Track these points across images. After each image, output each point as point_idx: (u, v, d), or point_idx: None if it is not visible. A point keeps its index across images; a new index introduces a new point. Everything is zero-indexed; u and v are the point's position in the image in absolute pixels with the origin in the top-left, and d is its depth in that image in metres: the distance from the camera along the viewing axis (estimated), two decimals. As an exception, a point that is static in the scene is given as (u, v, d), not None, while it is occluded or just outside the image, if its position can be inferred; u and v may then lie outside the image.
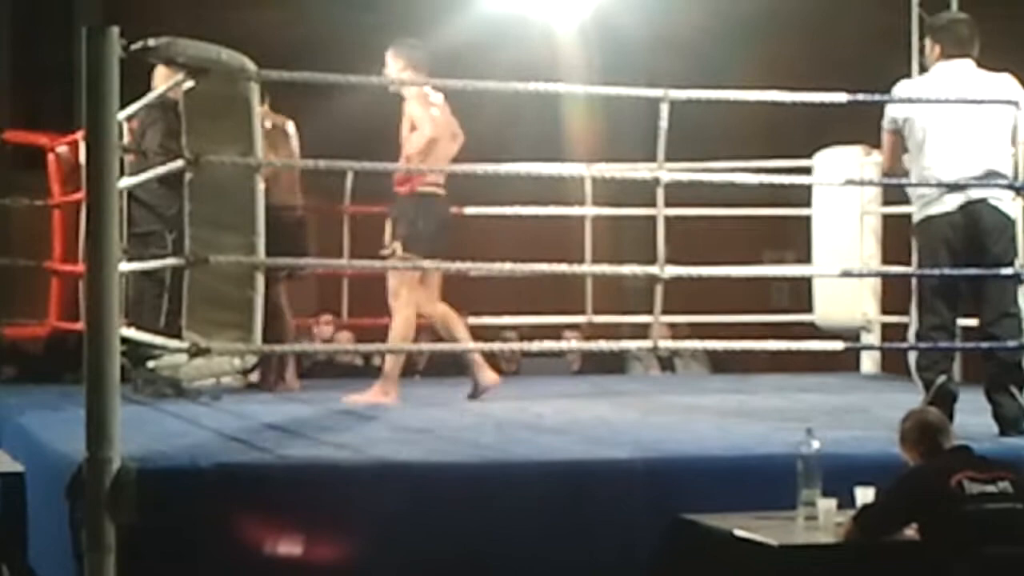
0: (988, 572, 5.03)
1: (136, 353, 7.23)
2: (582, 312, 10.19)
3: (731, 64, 13.29)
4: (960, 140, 6.67)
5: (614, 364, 11.68)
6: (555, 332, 11.17)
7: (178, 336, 6.10)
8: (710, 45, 14.21)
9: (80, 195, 7.68)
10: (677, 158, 6.97)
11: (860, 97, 6.88)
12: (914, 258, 6.83)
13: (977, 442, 5.65)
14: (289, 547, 5.31)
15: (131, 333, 6.61)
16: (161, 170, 6.77)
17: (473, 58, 12.00)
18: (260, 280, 6.07)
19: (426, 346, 9.40)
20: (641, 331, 10.45)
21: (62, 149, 9.28)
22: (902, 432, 5.44)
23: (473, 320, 10.26)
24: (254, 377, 8.75)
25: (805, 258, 10.15)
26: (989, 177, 6.66)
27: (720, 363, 11.97)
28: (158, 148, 7.98)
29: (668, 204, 6.72)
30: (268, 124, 8.23)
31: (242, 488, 5.36)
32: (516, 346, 9.12)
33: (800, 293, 10.34)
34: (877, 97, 6.92)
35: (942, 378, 6.58)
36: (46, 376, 9.68)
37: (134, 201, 7.98)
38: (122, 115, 5.80)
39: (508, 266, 6.61)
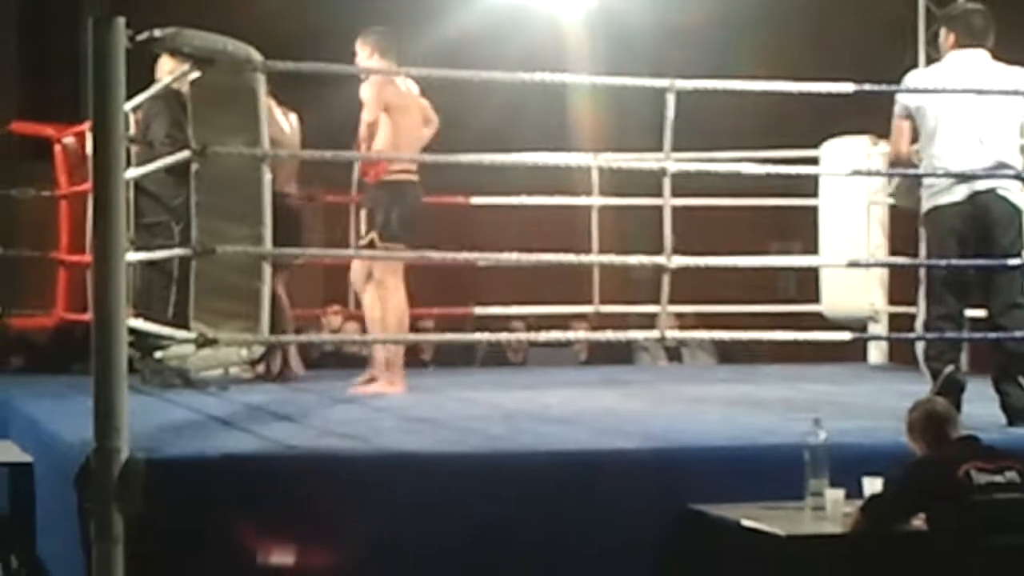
0: (996, 562, 5.03)
1: (144, 343, 7.23)
2: (589, 302, 10.19)
3: (737, 54, 13.30)
4: (971, 130, 6.66)
5: (621, 354, 11.69)
6: (562, 322, 11.18)
7: (186, 327, 6.10)
8: (716, 35, 14.20)
9: (87, 186, 7.69)
10: (683, 148, 6.96)
11: (867, 87, 6.87)
12: (922, 248, 6.82)
13: (985, 432, 5.64)
14: (296, 538, 5.31)
15: (138, 324, 6.61)
16: (167, 161, 6.78)
17: (479, 48, 12.02)
18: (267, 270, 6.08)
19: (434, 337, 9.41)
20: (648, 321, 10.45)
21: (69, 140, 9.28)
22: (909, 422, 5.43)
23: (480, 310, 10.29)
24: (262, 368, 8.75)
25: (812, 249, 10.14)
26: (999, 168, 6.65)
27: (727, 353, 11.98)
28: (164, 139, 7.99)
29: (675, 194, 6.71)
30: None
31: (249, 478, 5.36)
32: (523, 336, 9.12)
33: (807, 283, 10.34)
34: (884, 87, 6.92)
35: (950, 368, 6.57)
36: (53, 366, 9.70)
37: (140, 192, 7.99)
38: (128, 106, 5.80)
39: (515, 256, 6.61)
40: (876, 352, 10.38)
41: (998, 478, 5.07)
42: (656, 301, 6.82)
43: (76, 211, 9.01)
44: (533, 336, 8.04)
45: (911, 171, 6.99)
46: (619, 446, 5.94)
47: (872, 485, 5.37)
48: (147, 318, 7.09)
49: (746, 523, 5.28)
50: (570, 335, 9.72)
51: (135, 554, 5.19)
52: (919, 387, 6.63)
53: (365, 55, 8.05)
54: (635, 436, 6.15)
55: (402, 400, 7.72)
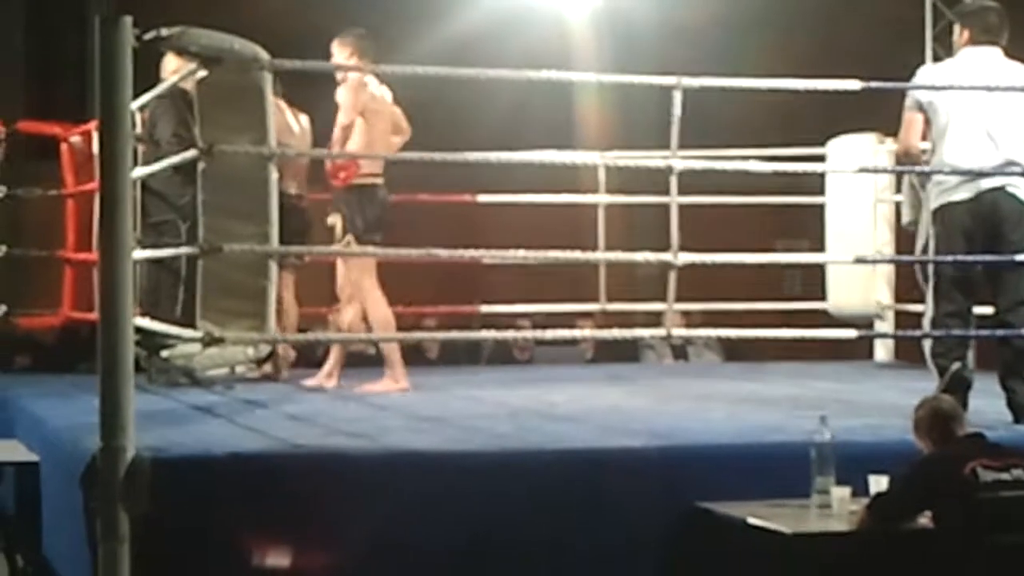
0: (1002, 560, 5.03)
1: (150, 342, 7.24)
2: (595, 300, 10.19)
3: (743, 52, 13.28)
4: (982, 127, 6.66)
5: (627, 352, 11.69)
6: (568, 320, 11.18)
7: (193, 326, 6.10)
8: (722, 33, 14.19)
9: (93, 185, 7.71)
10: (690, 146, 6.96)
11: (873, 85, 6.87)
12: (931, 244, 6.82)
13: (991, 430, 5.64)
14: (302, 536, 5.31)
15: (145, 322, 6.61)
16: (174, 159, 6.79)
17: (485, 47, 12.02)
18: (274, 269, 6.08)
19: (440, 335, 9.42)
20: (654, 319, 10.45)
21: (76, 139, 9.29)
22: (916, 420, 5.43)
23: (486, 308, 10.29)
24: (268, 367, 8.75)
25: (818, 246, 10.14)
26: (1009, 165, 6.65)
27: (733, 351, 11.97)
28: (171, 138, 8.00)
29: (681, 192, 6.71)
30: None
31: (256, 477, 5.36)
32: (530, 334, 9.12)
33: (813, 281, 10.33)
34: (890, 84, 6.91)
35: (956, 365, 6.57)
36: (60, 366, 9.70)
37: (147, 191, 8.00)
38: (135, 105, 5.80)
39: (521, 253, 6.61)
40: (882, 350, 10.38)
41: (1004, 476, 5.07)
42: (662, 299, 6.81)
43: (83, 210, 9.02)
44: (539, 334, 8.02)
45: (918, 168, 6.98)
46: (625, 444, 5.94)
47: (878, 483, 5.37)
48: (155, 317, 7.09)
49: (752, 521, 5.28)
50: (576, 333, 9.70)
51: (141, 553, 5.19)
52: (926, 384, 6.62)
53: (344, 56, 8.05)
54: (641, 434, 6.15)
55: (408, 399, 7.72)
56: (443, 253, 6.57)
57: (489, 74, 6.94)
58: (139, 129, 7.94)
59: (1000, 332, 6.68)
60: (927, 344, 6.73)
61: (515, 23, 12.99)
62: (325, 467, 5.48)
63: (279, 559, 5.29)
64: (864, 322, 9.77)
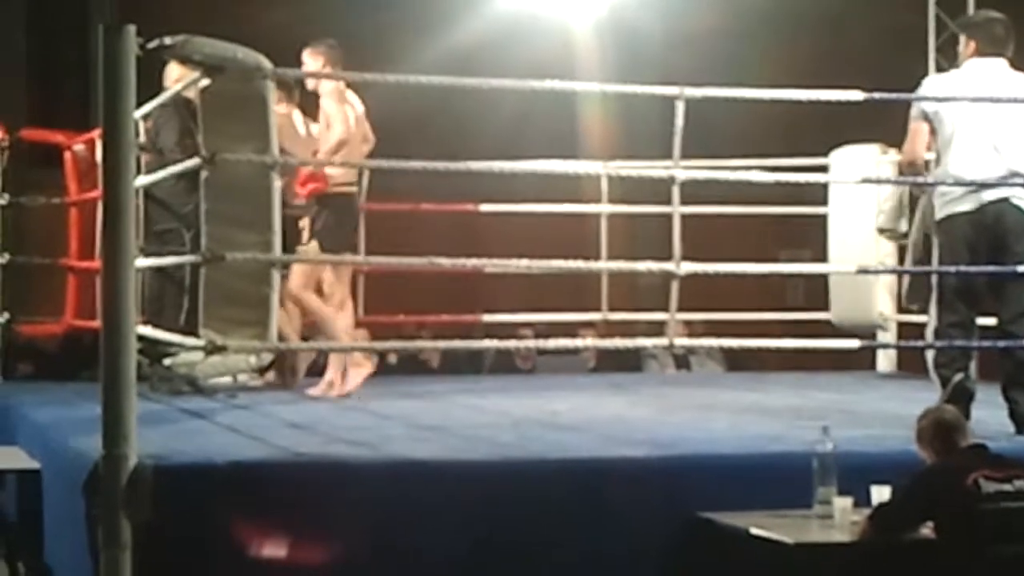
0: (1004, 571, 5.02)
1: (153, 350, 7.24)
2: (598, 309, 10.19)
3: (747, 62, 13.30)
4: (987, 139, 6.66)
5: (630, 362, 11.68)
6: (571, 329, 11.17)
7: (196, 334, 6.10)
8: (725, 43, 14.20)
9: (96, 193, 7.71)
10: (693, 156, 6.97)
11: (876, 95, 6.87)
12: (935, 255, 6.82)
13: (993, 440, 5.64)
14: (304, 545, 5.31)
15: (147, 331, 6.62)
16: (177, 168, 6.79)
17: (488, 56, 12.01)
18: (276, 278, 6.08)
19: (442, 344, 9.42)
20: (657, 329, 10.43)
21: (79, 147, 9.29)
22: (919, 430, 5.42)
23: (489, 317, 10.29)
24: (272, 375, 8.75)
25: (821, 256, 10.13)
26: (1013, 177, 6.65)
27: (736, 361, 11.96)
28: (174, 146, 8.00)
29: (684, 202, 6.71)
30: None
31: (258, 485, 5.36)
32: (532, 343, 9.12)
33: (816, 291, 10.33)
34: (893, 95, 6.91)
35: (959, 376, 6.57)
36: (62, 373, 9.71)
37: (151, 199, 8.00)
38: (138, 114, 5.81)
39: (524, 263, 6.61)
40: (885, 360, 10.37)
41: (1007, 487, 5.06)
42: (664, 308, 6.81)
43: (86, 218, 9.02)
44: (542, 343, 8.03)
45: (921, 179, 6.98)
46: (627, 454, 5.94)
47: (880, 493, 5.37)
48: (158, 325, 7.10)
49: (754, 531, 5.27)
50: (579, 343, 9.70)
51: (143, 561, 5.19)
52: (928, 395, 6.62)
53: (317, 66, 8.09)
54: (643, 444, 6.15)
55: (410, 407, 7.72)
56: (445, 262, 6.59)
57: (492, 84, 6.93)
58: (142, 138, 7.94)
59: (1003, 343, 6.68)
60: (930, 355, 6.73)
61: (519, 33, 13.01)
62: (326, 476, 5.48)
63: (280, 567, 5.29)
64: (867, 332, 9.77)
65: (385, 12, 13.63)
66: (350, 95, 8.20)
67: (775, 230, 12.48)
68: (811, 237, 10.72)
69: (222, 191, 6.14)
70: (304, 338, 8.79)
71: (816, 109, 7.27)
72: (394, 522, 5.39)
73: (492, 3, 12.79)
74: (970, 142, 6.66)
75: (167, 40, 5.84)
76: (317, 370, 8.86)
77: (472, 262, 6.87)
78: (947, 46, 10.10)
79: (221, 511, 5.28)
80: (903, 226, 7.84)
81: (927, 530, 5.18)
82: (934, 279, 6.80)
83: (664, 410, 7.77)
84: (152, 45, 5.65)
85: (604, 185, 10.07)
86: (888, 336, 9.95)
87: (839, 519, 5.36)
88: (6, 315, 9.34)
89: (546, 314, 10.29)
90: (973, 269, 6.64)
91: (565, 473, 5.65)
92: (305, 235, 8.16)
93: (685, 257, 6.57)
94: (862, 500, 5.38)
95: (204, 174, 6.14)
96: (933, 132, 6.77)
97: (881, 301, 9.92)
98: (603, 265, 8.62)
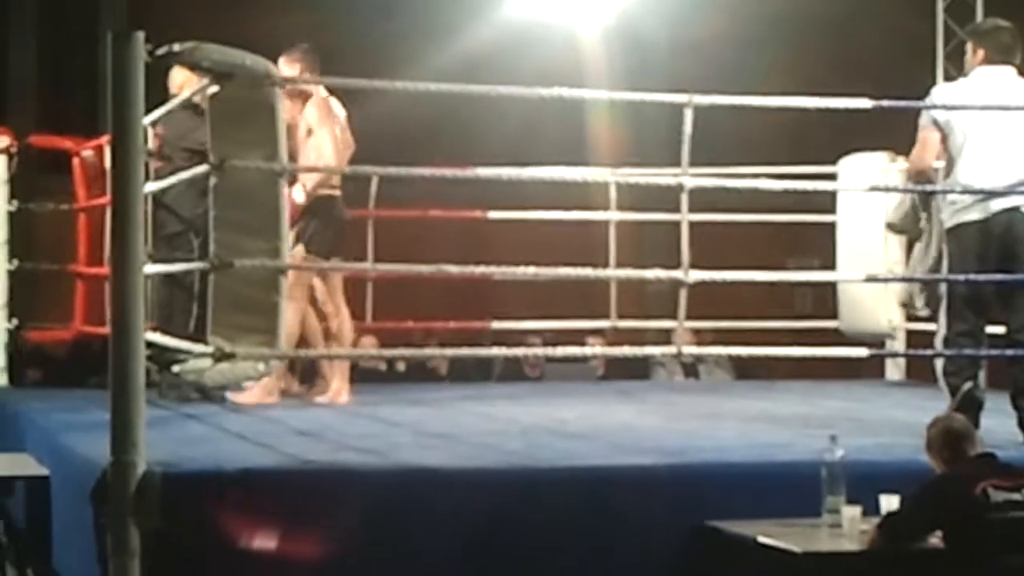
0: (1013, 580, 5.02)
1: (161, 357, 7.24)
2: (606, 317, 10.19)
3: (755, 69, 13.30)
4: (997, 147, 6.66)
5: (638, 370, 11.68)
6: (579, 337, 11.17)
7: (205, 341, 6.11)
8: (734, 51, 14.20)
9: (105, 199, 7.72)
10: (701, 163, 6.97)
11: (884, 103, 6.86)
12: (944, 264, 6.81)
13: (1002, 449, 5.62)
14: (312, 552, 5.31)
15: (156, 337, 6.62)
16: (186, 174, 6.80)
17: (497, 63, 12.03)
18: (285, 284, 6.08)
19: (450, 351, 9.42)
20: (665, 337, 10.44)
21: (87, 153, 9.31)
22: (928, 438, 5.42)
23: (497, 324, 10.28)
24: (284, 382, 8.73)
25: (829, 264, 10.13)
26: (1022, 186, 6.64)
27: (744, 369, 11.95)
28: (182, 152, 8.01)
29: (692, 210, 6.71)
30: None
31: (266, 493, 5.36)
32: (540, 351, 9.12)
33: (824, 299, 10.32)
34: (902, 103, 6.91)
35: (968, 385, 6.56)
36: (71, 380, 9.70)
37: (159, 204, 8.01)
38: (147, 119, 5.81)
39: (532, 270, 6.61)
40: (894, 368, 10.36)
41: (1015, 496, 5.05)
42: (673, 316, 6.81)
43: (94, 224, 9.03)
44: (550, 351, 8.03)
45: (930, 187, 6.98)
46: (636, 462, 5.94)
47: (889, 502, 5.36)
48: (167, 332, 7.10)
49: (762, 540, 5.27)
50: (587, 350, 9.71)
51: (151, 568, 5.19)
52: (937, 404, 6.61)
53: (295, 72, 8.07)
54: (651, 452, 6.15)
55: (419, 415, 7.72)
56: (453, 269, 6.60)
57: (501, 91, 6.94)
58: (151, 143, 7.95)
59: (1011, 351, 6.67)
60: (939, 363, 6.72)
61: (527, 40, 13.01)
62: (335, 483, 5.48)
63: (288, 573, 5.29)
64: (875, 341, 9.75)
65: (394, 19, 13.64)
66: (333, 101, 8.20)
67: (783, 238, 12.47)
68: (819, 245, 10.71)
69: (230, 198, 6.13)
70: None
71: (824, 117, 7.27)
72: (402, 529, 5.39)
73: (500, 11, 12.79)
74: (981, 151, 6.66)
75: (176, 47, 5.83)
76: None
77: (480, 269, 6.88)
78: (955, 54, 10.11)
79: (230, 518, 5.27)
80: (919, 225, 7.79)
81: (936, 539, 5.17)
82: (943, 287, 6.79)
83: (672, 418, 7.76)
84: (161, 52, 5.65)
85: (612, 192, 10.07)
86: (897, 344, 9.93)
87: (848, 528, 5.35)
88: (15, 321, 9.35)
89: (555, 321, 10.29)
90: (982, 278, 6.63)
91: (573, 481, 5.65)
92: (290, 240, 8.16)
93: (693, 265, 6.56)
94: (871, 509, 5.37)
95: (213, 180, 6.14)
96: (944, 141, 6.76)
97: (890, 309, 9.90)
98: (611, 273, 8.61)
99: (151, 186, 6.88)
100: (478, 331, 11.04)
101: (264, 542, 5.26)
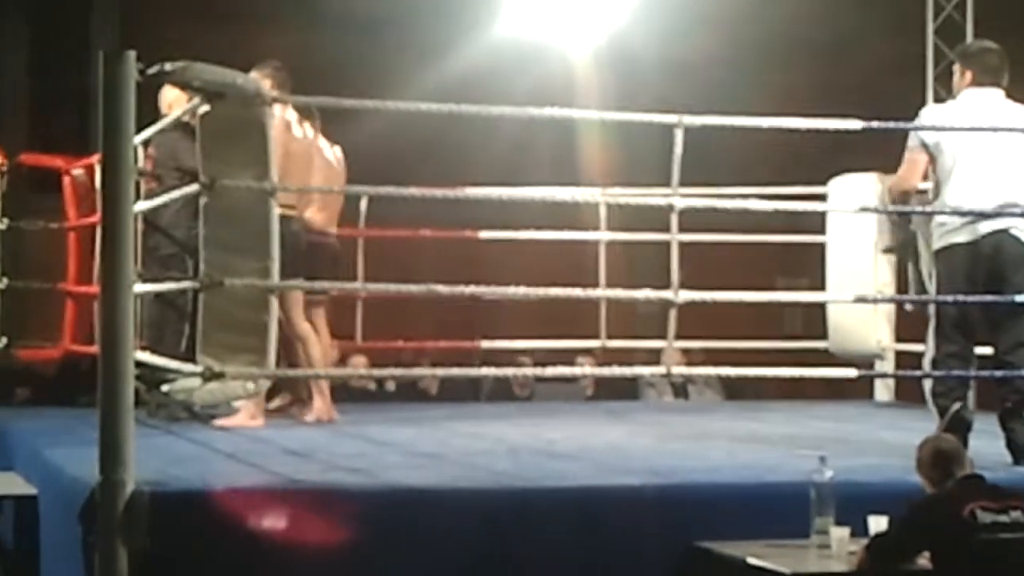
0: (1001, 601, 5.02)
1: (151, 376, 7.24)
2: (596, 336, 10.19)
3: (745, 89, 13.31)
4: (986, 169, 6.68)
5: (628, 389, 11.68)
6: (569, 357, 11.17)
7: (195, 360, 6.11)
8: (724, 71, 14.23)
9: (95, 218, 7.72)
10: (692, 183, 6.98)
11: (874, 124, 6.88)
12: (932, 285, 6.83)
13: (991, 471, 5.63)
14: (301, 572, 5.30)
15: (145, 356, 6.62)
16: (176, 194, 6.81)
17: (488, 84, 12.03)
18: (275, 304, 6.08)
19: (440, 371, 9.42)
20: (655, 357, 10.45)
21: (78, 172, 9.29)
22: (918, 459, 5.42)
23: (487, 344, 10.29)
24: (279, 400, 8.73)
25: (819, 285, 10.14)
26: (1011, 207, 6.66)
27: (734, 390, 11.96)
28: (173, 172, 8.01)
29: (682, 230, 6.72)
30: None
31: (255, 512, 5.35)
32: (529, 371, 9.12)
33: (814, 320, 10.33)
34: (891, 124, 6.93)
35: (957, 406, 6.57)
36: (60, 399, 9.69)
37: (153, 226, 8.01)
38: (138, 139, 5.82)
39: (522, 290, 6.61)
40: (883, 389, 10.37)
41: (1003, 518, 5.06)
42: (663, 336, 6.82)
43: (84, 243, 9.02)
44: (539, 371, 8.03)
45: (919, 209, 6.99)
46: (624, 482, 5.93)
47: (878, 523, 5.37)
48: (158, 351, 7.09)
49: (752, 561, 5.27)
50: (576, 371, 9.71)
51: (140, 588, 5.18)
52: (926, 424, 6.62)
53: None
54: (640, 472, 6.14)
55: (408, 434, 7.72)
56: (444, 290, 6.59)
57: (492, 111, 6.95)
58: (142, 163, 7.95)
59: (1000, 373, 6.68)
60: (927, 384, 6.73)
61: (519, 61, 13.03)
62: (324, 502, 5.47)
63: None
64: (865, 361, 9.76)
65: (386, 39, 13.65)
66: (298, 126, 8.13)
67: (774, 258, 12.48)
68: (809, 265, 10.73)
69: (221, 217, 6.14)
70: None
71: (815, 137, 7.29)
72: (391, 549, 5.38)
73: (492, 31, 12.81)
74: (969, 173, 6.68)
75: (167, 66, 5.84)
76: None
77: (471, 290, 6.88)
78: (945, 75, 10.11)
79: (218, 538, 5.27)
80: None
81: (924, 560, 5.18)
82: (931, 309, 6.81)
83: (662, 438, 7.76)
84: (152, 71, 5.66)
85: (603, 212, 10.08)
86: (886, 365, 9.94)
87: (836, 549, 5.35)
88: (4, 340, 9.33)
89: (545, 341, 10.29)
90: (971, 299, 6.64)
91: (562, 501, 5.65)
92: None
93: (684, 285, 6.57)
94: (859, 530, 5.37)
95: (203, 200, 6.14)
96: (932, 162, 6.78)
97: (879, 330, 9.91)
98: (601, 293, 8.63)
99: (141, 205, 6.87)
100: (468, 351, 11.05)
101: (252, 562, 5.25)
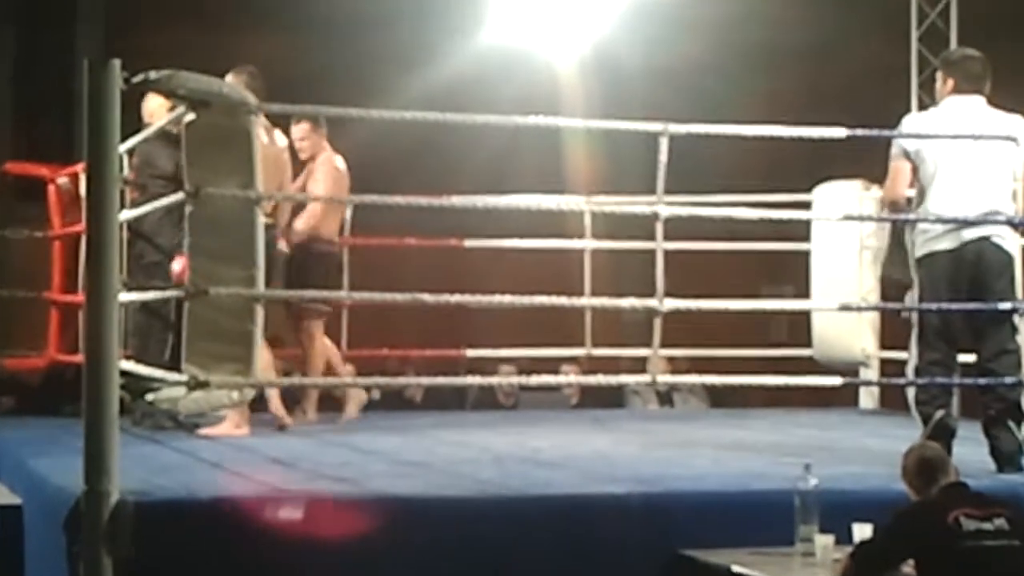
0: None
1: (135, 385, 7.22)
2: (581, 345, 10.19)
3: (731, 97, 13.33)
4: (968, 176, 6.69)
5: (613, 397, 11.67)
6: (554, 365, 11.17)
7: (180, 369, 6.10)
8: (709, 79, 14.24)
9: (80, 227, 7.71)
10: (677, 191, 6.99)
11: (859, 132, 6.90)
12: (915, 292, 6.84)
13: (974, 478, 5.64)
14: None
15: (130, 366, 6.61)
16: (162, 202, 6.80)
17: (474, 92, 12.03)
18: (260, 313, 6.07)
19: (425, 380, 9.41)
20: (640, 365, 10.44)
21: (63, 180, 9.28)
22: (903, 466, 5.43)
23: (472, 352, 10.28)
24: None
25: (804, 292, 10.15)
26: (993, 215, 6.68)
27: (719, 397, 11.96)
28: (157, 180, 7.99)
29: (667, 237, 6.73)
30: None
31: (239, 521, 5.35)
32: (514, 379, 9.12)
33: (798, 327, 10.34)
34: (876, 132, 6.94)
35: (940, 413, 6.58)
36: (44, 408, 9.67)
37: (136, 233, 8.00)
38: (123, 147, 5.81)
39: (507, 298, 6.62)
40: (867, 397, 10.38)
41: (987, 525, 5.06)
42: (648, 344, 6.82)
43: (69, 252, 9.00)
44: (524, 380, 8.04)
45: (903, 216, 7.01)
46: (609, 490, 5.94)
47: (862, 531, 5.37)
48: (142, 360, 7.08)
49: (736, 568, 5.27)
50: (561, 379, 9.70)
51: (124, 597, 5.18)
52: (910, 432, 6.63)
53: None
54: (625, 480, 6.15)
55: (394, 443, 7.71)
56: (429, 298, 6.60)
57: (478, 119, 6.95)
58: (127, 172, 7.94)
59: (983, 381, 6.69)
60: (911, 392, 6.75)
61: (504, 69, 13.03)
62: (309, 512, 5.46)
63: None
64: (849, 369, 9.77)
65: (370, 48, 13.64)
66: (265, 133, 8.14)
67: (758, 265, 12.49)
68: (794, 273, 10.74)
69: (206, 225, 6.13)
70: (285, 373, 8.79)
71: (800, 145, 7.30)
72: (376, 558, 5.38)
73: (477, 40, 12.82)
74: (951, 180, 6.70)
75: (152, 75, 5.84)
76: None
77: (456, 299, 6.88)
78: (930, 82, 10.13)
79: (203, 547, 5.27)
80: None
81: (908, 568, 5.18)
82: (914, 316, 6.82)
83: (647, 447, 7.77)
84: (137, 79, 5.66)
85: (587, 220, 10.08)
86: (870, 373, 9.95)
87: (821, 557, 5.36)
88: (-11, 349, 9.32)
89: (530, 349, 10.29)
90: (954, 306, 6.66)
91: (547, 510, 5.66)
92: None
93: (669, 292, 6.58)
94: (844, 538, 5.38)
95: (188, 208, 6.14)
96: (915, 170, 6.79)
97: (864, 338, 9.93)
98: (586, 301, 8.63)
99: (126, 214, 6.87)
100: (453, 359, 11.03)
101: (237, 571, 5.25)
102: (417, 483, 6.12)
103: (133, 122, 7.01)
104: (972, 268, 6.68)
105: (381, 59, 13.56)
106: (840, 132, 6.89)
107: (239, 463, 6.61)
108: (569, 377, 10.43)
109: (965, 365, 6.94)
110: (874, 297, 9.74)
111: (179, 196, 6.20)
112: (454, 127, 8.09)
